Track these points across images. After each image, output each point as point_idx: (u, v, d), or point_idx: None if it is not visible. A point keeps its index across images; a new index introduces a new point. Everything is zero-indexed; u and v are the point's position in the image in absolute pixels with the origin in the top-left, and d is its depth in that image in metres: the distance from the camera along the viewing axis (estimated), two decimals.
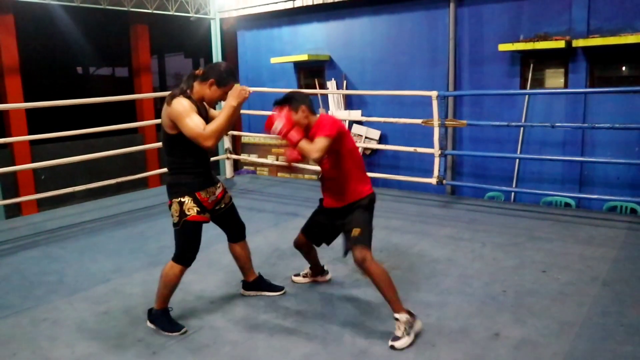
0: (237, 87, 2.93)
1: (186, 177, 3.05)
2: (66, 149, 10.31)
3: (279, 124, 2.98)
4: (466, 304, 3.40)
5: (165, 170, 6.91)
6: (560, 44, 6.43)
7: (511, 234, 4.79)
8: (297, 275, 3.89)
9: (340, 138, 3.07)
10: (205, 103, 3.08)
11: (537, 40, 6.68)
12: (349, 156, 3.16)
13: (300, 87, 9.44)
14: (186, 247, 3.09)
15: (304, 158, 3.11)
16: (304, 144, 2.98)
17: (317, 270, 3.81)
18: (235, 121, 3.26)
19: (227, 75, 2.99)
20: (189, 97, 2.95)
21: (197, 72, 3.05)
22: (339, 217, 3.22)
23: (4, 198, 6.27)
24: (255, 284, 3.59)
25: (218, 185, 3.25)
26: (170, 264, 3.12)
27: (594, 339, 2.93)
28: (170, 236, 5.00)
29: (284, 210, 5.90)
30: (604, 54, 6.57)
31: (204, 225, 3.16)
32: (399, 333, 2.88)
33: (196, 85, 3.01)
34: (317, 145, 2.95)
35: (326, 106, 8.94)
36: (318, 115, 3.20)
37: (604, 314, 3.23)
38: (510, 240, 4.63)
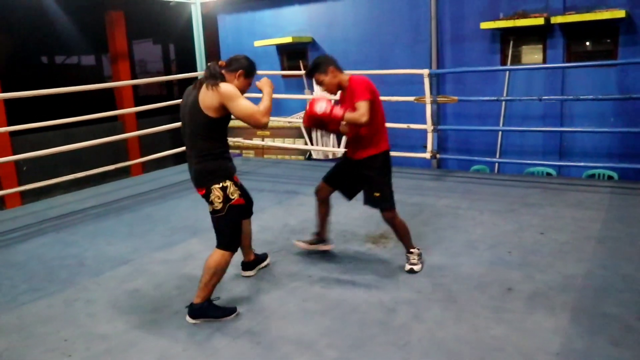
0: (266, 78, 3.21)
1: (224, 162, 3.11)
2: (46, 139, 10.16)
3: (322, 105, 3.29)
4: (477, 265, 3.67)
5: (151, 156, 6.94)
6: (540, 21, 6.73)
7: (506, 202, 5.09)
8: (300, 240, 4.03)
9: (374, 100, 3.38)
10: None
11: (517, 18, 6.97)
12: (376, 114, 3.42)
13: (283, 69, 9.55)
14: (234, 232, 3.12)
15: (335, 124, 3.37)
16: (349, 115, 3.29)
17: (322, 235, 3.94)
18: None
19: (251, 67, 3.21)
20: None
21: (220, 62, 3.18)
22: (356, 169, 3.58)
23: None
24: (255, 263, 3.74)
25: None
26: (220, 253, 3.08)
27: (597, 289, 3.24)
28: (178, 217, 5.17)
29: (283, 189, 6.08)
30: (579, 30, 6.90)
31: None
32: (414, 261, 3.60)
33: (225, 75, 3.13)
34: (362, 110, 3.26)
35: (311, 87, 9.08)
36: (346, 74, 3.51)
37: (602, 267, 3.54)
38: (505, 207, 4.93)
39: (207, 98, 2.97)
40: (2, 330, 3.11)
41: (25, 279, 3.87)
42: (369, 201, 3.59)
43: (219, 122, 3.03)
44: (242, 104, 2.96)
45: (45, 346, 2.92)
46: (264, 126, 3.00)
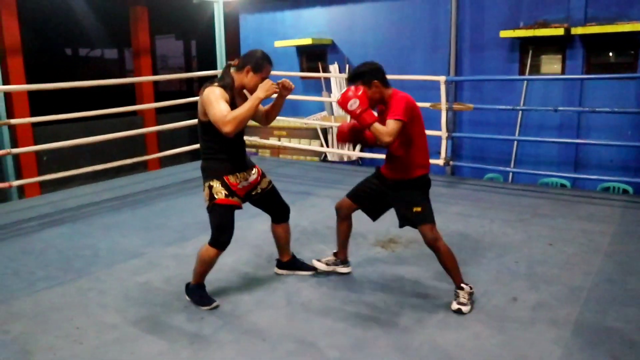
0: (267, 81, 3.05)
1: (215, 162, 3.19)
2: (67, 130, 10.35)
3: (354, 104, 2.98)
4: (483, 273, 3.70)
5: (169, 151, 7.09)
6: (560, 31, 6.71)
7: (516, 212, 5.10)
8: (318, 260, 3.77)
9: (411, 121, 3.09)
10: (247, 93, 3.21)
11: (537, 28, 6.95)
12: (416, 140, 3.19)
13: (302, 70, 9.63)
14: (220, 231, 3.19)
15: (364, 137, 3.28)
16: (377, 127, 2.99)
17: (342, 254, 3.72)
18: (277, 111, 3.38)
19: (262, 61, 3.10)
20: (224, 87, 3.05)
21: (232, 62, 3.22)
22: (391, 189, 3.33)
23: (8, 179, 6.20)
24: (290, 263, 3.76)
25: (253, 171, 3.34)
26: (206, 247, 3.23)
27: (601, 302, 3.25)
28: (192, 213, 5.28)
29: (296, 190, 6.14)
30: (600, 41, 6.87)
31: None
32: (463, 300, 3.14)
33: (235, 75, 3.15)
34: (389, 129, 2.98)
35: (329, 89, 9.15)
36: (391, 89, 3.20)
37: (608, 281, 3.55)
38: (516, 217, 4.94)
39: (199, 102, 3.10)
40: (18, 315, 3.22)
41: (42, 267, 3.99)
42: (407, 219, 3.26)
43: (210, 125, 3.04)
44: (212, 110, 2.95)
45: (58, 332, 3.01)
46: (227, 135, 2.93)
